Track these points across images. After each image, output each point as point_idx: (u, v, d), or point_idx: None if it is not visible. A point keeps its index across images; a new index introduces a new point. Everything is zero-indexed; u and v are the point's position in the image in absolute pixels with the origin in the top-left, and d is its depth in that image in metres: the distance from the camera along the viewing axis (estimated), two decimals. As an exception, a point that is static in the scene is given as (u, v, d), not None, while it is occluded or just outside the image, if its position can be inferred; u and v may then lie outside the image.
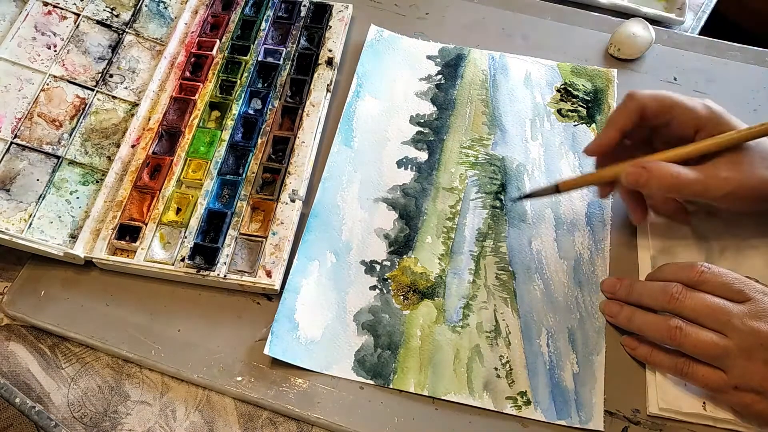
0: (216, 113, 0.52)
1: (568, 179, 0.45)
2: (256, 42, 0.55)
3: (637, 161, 0.41)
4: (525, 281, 0.45)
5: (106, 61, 0.52)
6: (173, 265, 0.44)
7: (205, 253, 0.45)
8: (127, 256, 0.45)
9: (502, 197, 0.49)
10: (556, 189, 0.45)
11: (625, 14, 0.61)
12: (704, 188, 0.40)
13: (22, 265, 0.46)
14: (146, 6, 0.55)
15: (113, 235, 0.45)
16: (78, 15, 0.52)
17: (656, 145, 0.44)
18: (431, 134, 0.52)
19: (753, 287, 0.39)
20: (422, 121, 0.53)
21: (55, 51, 0.50)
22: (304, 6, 0.57)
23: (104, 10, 0.54)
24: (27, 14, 0.50)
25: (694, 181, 0.40)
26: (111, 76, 0.52)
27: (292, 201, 0.47)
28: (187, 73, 0.53)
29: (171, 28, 0.55)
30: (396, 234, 0.47)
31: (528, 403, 0.41)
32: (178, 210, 0.47)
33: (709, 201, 0.41)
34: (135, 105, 0.51)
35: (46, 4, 0.51)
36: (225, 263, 0.44)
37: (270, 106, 0.52)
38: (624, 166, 0.42)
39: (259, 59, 0.54)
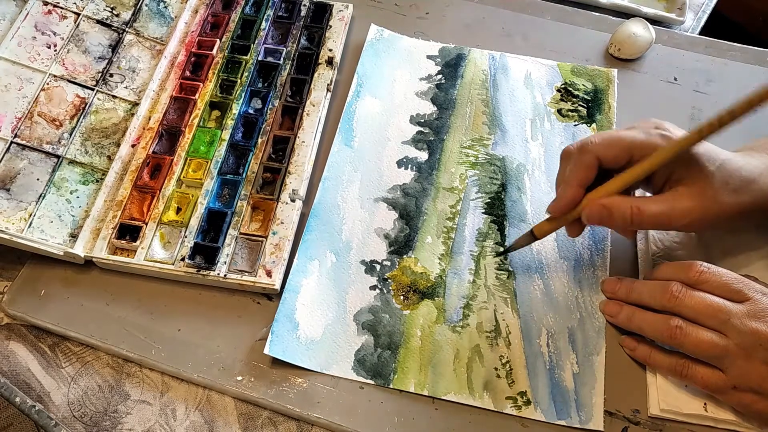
0: (216, 113, 0.52)
1: (541, 224, 0.43)
2: (256, 41, 0.55)
3: (595, 199, 0.40)
4: (525, 281, 0.45)
5: (107, 61, 0.52)
6: (173, 264, 0.44)
7: (205, 252, 0.45)
8: (127, 255, 0.45)
9: (503, 197, 0.49)
10: (533, 236, 0.44)
11: (625, 14, 0.61)
12: (668, 220, 0.39)
13: (22, 264, 0.46)
14: (146, 5, 0.55)
15: (113, 235, 0.45)
16: (78, 14, 0.52)
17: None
18: (431, 134, 0.52)
19: (752, 287, 0.39)
20: (422, 120, 0.53)
21: (55, 50, 0.50)
22: (305, 5, 0.57)
23: (104, 9, 0.54)
24: (27, 14, 0.50)
25: (657, 214, 0.39)
26: (111, 75, 0.52)
27: (292, 201, 0.47)
28: (188, 73, 0.53)
29: (171, 27, 0.55)
30: (396, 234, 0.47)
31: (528, 403, 0.41)
32: (179, 209, 0.47)
33: (671, 229, 0.40)
34: (135, 104, 0.51)
35: (46, 4, 0.51)
36: (225, 263, 0.44)
37: (270, 106, 0.52)
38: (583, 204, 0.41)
39: (260, 59, 0.54)
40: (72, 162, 0.48)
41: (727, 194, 0.39)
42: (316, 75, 0.53)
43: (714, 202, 0.39)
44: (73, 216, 0.46)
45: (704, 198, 0.39)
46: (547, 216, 0.43)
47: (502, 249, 0.47)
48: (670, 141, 0.39)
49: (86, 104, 0.50)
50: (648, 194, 0.44)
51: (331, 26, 0.56)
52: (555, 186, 0.44)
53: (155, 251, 0.45)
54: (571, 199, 0.41)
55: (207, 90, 0.52)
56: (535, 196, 0.49)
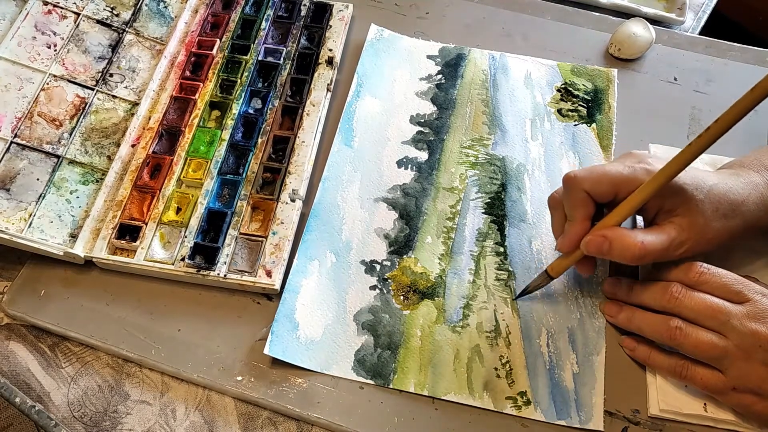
0: (216, 113, 0.52)
1: (555, 263, 0.43)
2: (256, 41, 0.55)
3: (596, 230, 0.40)
4: (525, 281, 0.45)
5: (106, 61, 0.52)
6: (173, 264, 0.44)
7: (205, 252, 0.45)
8: (127, 255, 0.45)
9: (503, 197, 0.49)
10: (549, 276, 0.44)
11: (625, 14, 0.61)
12: (666, 253, 0.39)
13: (22, 264, 0.46)
14: (146, 5, 0.55)
15: (113, 235, 0.45)
16: (78, 14, 0.52)
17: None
18: (431, 134, 0.52)
19: (752, 288, 0.39)
20: (422, 120, 0.53)
21: (55, 50, 0.50)
22: (304, 5, 0.57)
23: (104, 9, 0.54)
24: (27, 13, 0.50)
25: (658, 249, 0.39)
26: (111, 75, 0.52)
27: (292, 201, 0.47)
28: (188, 73, 0.53)
29: (171, 27, 0.55)
30: (396, 234, 0.47)
31: (528, 403, 0.41)
32: (178, 209, 0.47)
33: (667, 260, 0.40)
34: (135, 104, 0.51)
35: (46, 4, 0.51)
36: (225, 263, 0.44)
37: (270, 106, 0.52)
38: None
39: (260, 59, 0.54)
40: (72, 162, 0.48)
41: (717, 220, 0.39)
42: (316, 75, 0.53)
43: (706, 230, 0.39)
44: (73, 216, 0.46)
45: (696, 228, 0.39)
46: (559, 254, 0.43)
47: (502, 250, 0.47)
48: (652, 174, 0.39)
49: (86, 104, 0.50)
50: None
51: (331, 26, 0.56)
52: (553, 234, 0.44)
53: (155, 251, 0.45)
54: (578, 234, 0.41)
55: (207, 90, 0.52)
56: (535, 196, 0.49)
